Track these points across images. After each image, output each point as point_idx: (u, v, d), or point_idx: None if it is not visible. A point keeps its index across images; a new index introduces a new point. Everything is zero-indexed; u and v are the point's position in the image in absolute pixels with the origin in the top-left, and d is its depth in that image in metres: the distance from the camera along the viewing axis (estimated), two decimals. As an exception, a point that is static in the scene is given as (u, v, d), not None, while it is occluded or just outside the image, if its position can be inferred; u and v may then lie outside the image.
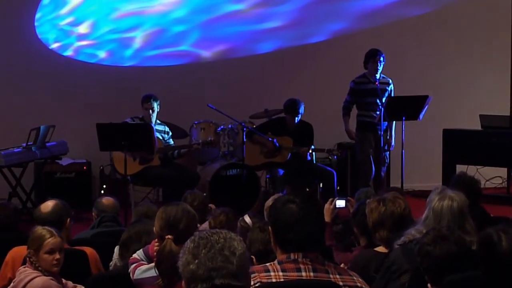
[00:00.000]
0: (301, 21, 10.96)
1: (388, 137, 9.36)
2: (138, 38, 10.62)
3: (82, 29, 10.44)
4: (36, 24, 10.22)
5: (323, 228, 3.40)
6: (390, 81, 9.39)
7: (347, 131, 9.53)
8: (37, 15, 10.22)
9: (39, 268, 4.40)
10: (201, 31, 10.77)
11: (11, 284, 4.45)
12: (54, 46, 10.36)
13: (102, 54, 10.56)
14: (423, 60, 11.22)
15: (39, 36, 10.24)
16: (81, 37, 10.46)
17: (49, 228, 4.52)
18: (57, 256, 4.43)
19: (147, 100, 8.81)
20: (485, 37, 11.42)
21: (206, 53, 10.86)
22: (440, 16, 11.28)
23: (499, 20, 11.53)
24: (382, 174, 9.42)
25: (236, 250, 2.63)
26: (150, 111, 8.79)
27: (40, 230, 4.49)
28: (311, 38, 11.04)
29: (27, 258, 4.45)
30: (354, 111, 9.51)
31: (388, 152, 9.42)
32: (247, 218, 5.44)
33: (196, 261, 2.60)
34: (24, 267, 4.45)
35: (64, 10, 10.37)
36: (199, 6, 10.68)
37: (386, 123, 9.19)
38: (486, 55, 11.43)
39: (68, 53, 10.42)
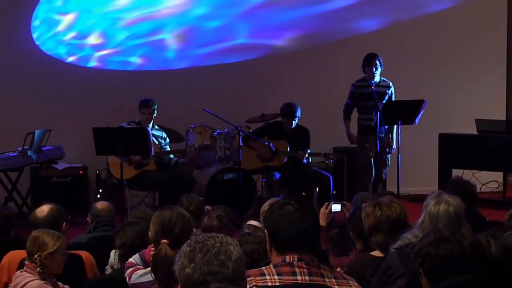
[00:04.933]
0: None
1: (390, 140, 9.37)
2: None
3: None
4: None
5: (318, 229, 3.41)
6: (391, 84, 9.40)
7: (348, 135, 9.52)
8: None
9: (42, 272, 4.36)
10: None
11: (7, 289, 4.44)
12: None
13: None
14: (419, 64, 11.23)
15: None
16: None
17: (52, 231, 4.52)
18: (64, 257, 4.46)
19: (144, 105, 8.82)
20: (481, 41, 11.43)
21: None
22: (436, 20, 11.29)
23: (495, 24, 11.54)
24: (384, 176, 9.43)
25: (232, 254, 2.63)
26: (148, 116, 8.80)
27: (47, 233, 4.46)
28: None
29: (34, 263, 4.39)
30: (355, 115, 9.52)
31: (389, 155, 9.43)
32: (253, 222, 5.47)
33: (192, 265, 2.60)
34: (21, 271, 4.43)
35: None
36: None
37: (387, 125, 9.21)
38: (482, 59, 11.43)
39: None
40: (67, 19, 10.37)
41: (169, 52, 10.70)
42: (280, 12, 10.89)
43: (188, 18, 10.66)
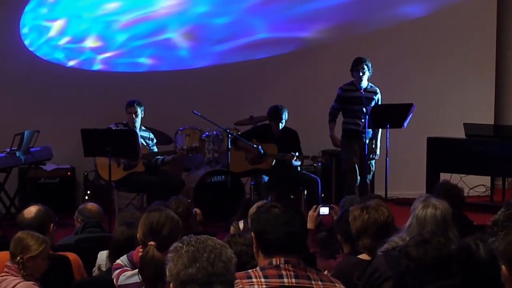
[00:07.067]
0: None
1: (373, 146, 9.39)
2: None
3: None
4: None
5: (306, 232, 3.41)
6: (378, 90, 9.41)
7: (331, 138, 9.54)
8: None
9: (25, 275, 4.35)
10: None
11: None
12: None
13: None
14: (408, 68, 11.25)
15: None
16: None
17: (37, 234, 4.50)
18: (46, 261, 4.44)
19: (130, 105, 8.83)
20: (470, 45, 11.44)
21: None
22: (425, 25, 11.30)
23: (484, 28, 11.56)
24: (368, 181, 9.44)
25: (232, 258, 2.69)
26: (134, 116, 8.79)
27: (31, 236, 4.44)
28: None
29: (17, 265, 4.38)
30: (341, 118, 9.54)
31: (373, 160, 9.44)
32: (240, 224, 5.51)
33: (197, 264, 2.61)
34: (2, 275, 4.42)
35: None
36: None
37: (371, 131, 9.23)
38: (471, 63, 11.45)
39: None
40: (57, 25, 10.33)
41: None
42: (275, 13, 10.91)
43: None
